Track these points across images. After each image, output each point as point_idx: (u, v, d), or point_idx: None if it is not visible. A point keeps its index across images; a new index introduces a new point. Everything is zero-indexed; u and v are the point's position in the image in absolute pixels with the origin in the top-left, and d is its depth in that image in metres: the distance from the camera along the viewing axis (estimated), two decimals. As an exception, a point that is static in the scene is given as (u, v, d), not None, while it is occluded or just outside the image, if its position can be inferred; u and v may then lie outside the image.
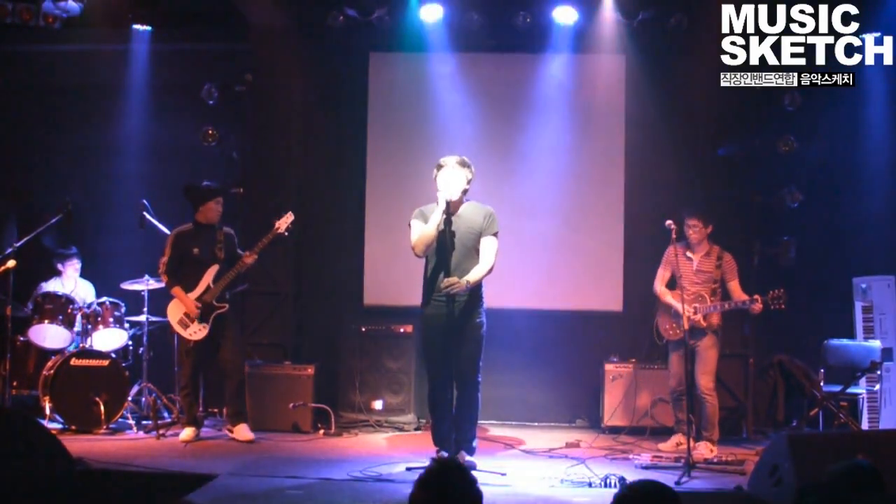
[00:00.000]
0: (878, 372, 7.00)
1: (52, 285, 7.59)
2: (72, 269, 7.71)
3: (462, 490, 2.56)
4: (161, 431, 6.74)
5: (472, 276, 5.59)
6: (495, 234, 5.73)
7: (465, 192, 5.70)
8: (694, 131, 7.85)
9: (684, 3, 7.54)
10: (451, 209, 5.66)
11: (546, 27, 7.79)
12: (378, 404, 7.48)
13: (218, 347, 6.73)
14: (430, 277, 5.72)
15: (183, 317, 6.63)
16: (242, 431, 6.67)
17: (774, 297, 6.17)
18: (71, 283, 7.69)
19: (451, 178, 5.64)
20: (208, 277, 6.65)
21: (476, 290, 5.68)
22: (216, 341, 6.71)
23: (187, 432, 6.66)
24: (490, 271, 5.68)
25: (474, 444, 5.84)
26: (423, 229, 5.66)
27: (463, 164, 5.69)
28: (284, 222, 6.65)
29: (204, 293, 6.63)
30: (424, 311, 5.77)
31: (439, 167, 5.71)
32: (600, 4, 7.64)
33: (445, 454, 5.66)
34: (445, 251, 5.60)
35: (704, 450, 6.30)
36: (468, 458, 5.72)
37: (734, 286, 6.44)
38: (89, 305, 7.33)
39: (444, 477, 2.57)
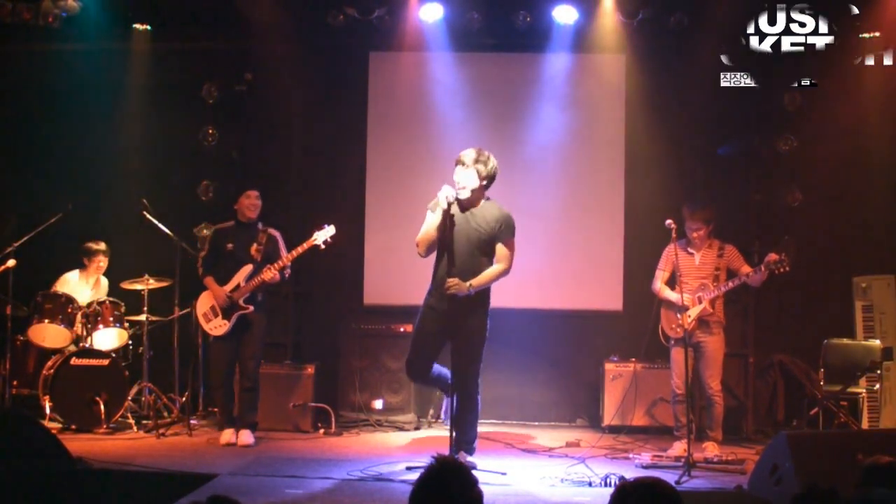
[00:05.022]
0: (878, 371, 7.01)
1: (70, 278, 7.52)
2: (96, 265, 7.59)
3: (462, 490, 2.55)
4: (161, 431, 6.74)
5: (477, 280, 5.55)
6: (508, 241, 5.65)
7: (481, 188, 5.62)
8: (694, 131, 7.85)
9: (684, 3, 7.54)
10: (467, 205, 5.63)
11: (546, 27, 7.79)
12: (378, 404, 7.48)
13: (238, 350, 6.67)
14: (435, 269, 5.71)
15: (208, 310, 6.60)
16: (244, 436, 6.54)
17: (777, 262, 6.08)
18: (93, 279, 7.61)
19: (461, 178, 5.58)
20: (240, 276, 6.57)
21: (481, 294, 5.63)
22: (239, 343, 6.65)
23: (227, 434, 6.54)
24: (501, 275, 5.63)
25: (475, 444, 5.82)
26: (425, 229, 5.65)
27: (476, 161, 5.57)
28: (323, 235, 6.45)
29: (233, 291, 6.56)
30: (426, 300, 5.73)
31: (457, 163, 5.62)
32: (600, 4, 7.64)
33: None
34: (451, 246, 5.54)
35: (714, 449, 6.28)
36: (468, 458, 5.70)
37: (745, 270, 6.34)
38: (89, 305, 7.32)
39: (444, 477, 2.56)
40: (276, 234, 6.78)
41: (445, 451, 5.65)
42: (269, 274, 6.48)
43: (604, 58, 7.97)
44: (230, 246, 6.62)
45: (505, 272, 5.65)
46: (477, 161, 5.57)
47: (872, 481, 2.96)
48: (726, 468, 5.85)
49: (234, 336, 6.59)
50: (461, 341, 5.59)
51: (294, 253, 6.50)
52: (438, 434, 7.09)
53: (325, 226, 6.49)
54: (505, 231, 5.64)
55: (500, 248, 5.65)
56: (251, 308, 6.56)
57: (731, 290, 6.38)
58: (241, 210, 6.69)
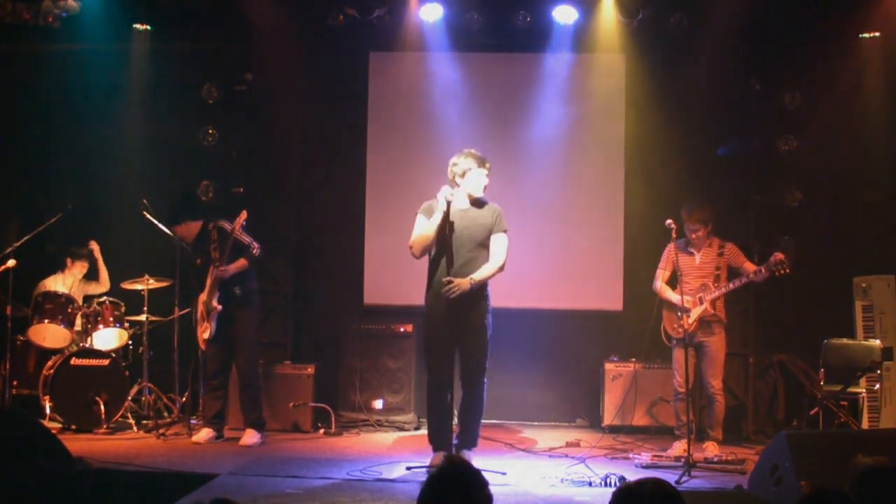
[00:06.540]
0: (878, 371, 7.00)
1: (52, 282, 7.56)
2: (79, 268, 7.65)
3: (473, 492, 2.50)
4: (161, 431, 6.74)
5: (479, 274, 5.60)
6: (504, 232, 5.76)
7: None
8: (694, 131, 7.85)
9: (684, 3, 7.54)
10: (473, 203, 5.74)
11: (546, 27, 7.79)
12: (378, 404, 7.49)
13: (232, 351, 6.70)
14: (432, 272, 5.71)
15: (199, 317, 6.66)
16: (245, 436, 6.57)
17: (777, 263, 6.09)
18: (70, 280, 7.64)
19: (484, 180, 5.73)
20: (209, 279, 6.63)
21: (480, 289, 5.65)
22: (230, 344, 6.67)
23: (202, 434, 6.57)
24: (501, 269, 5.71)
25: (478, 441, 5.91)
26: (422, 230, 5.66)
27: (486, 163, 5.78)
28: (238, 223, 6.49)
29: (208, 295, 6.62)
30: (426, 306, 5.75)
31: (484, 165, 5.73)
32: (600, 4, 7.64)
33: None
34: (451, 246, 5.56)
35: (714, 449, 6.28)
36: (468, 452, 5.76)
37: (748, 267, 6.36)
38: (89, 305, 7.32)
39: (455, 478, 2.51)
40: (223, 223, 6.74)
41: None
42: (219, 270, 6.52)
43: (604, 58, 7.96)
44: (199, 261, 6.73)
45: (503, 266, 5.72)
46: (486, 163, 5.77)
47: (871, 483, 2.95)
48: (726, 468, 5.84)
49: (221, 337, 6.61)
50: (467, 341, 5.64)
51: (225, 255, 6.53)
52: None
53: (238, 213, 6.54)
54: (500, 222, 5.76)
55: (496, 241, 5.73)
56: (220, 307, 6.56)
57: (733, 290, 6.39)
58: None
